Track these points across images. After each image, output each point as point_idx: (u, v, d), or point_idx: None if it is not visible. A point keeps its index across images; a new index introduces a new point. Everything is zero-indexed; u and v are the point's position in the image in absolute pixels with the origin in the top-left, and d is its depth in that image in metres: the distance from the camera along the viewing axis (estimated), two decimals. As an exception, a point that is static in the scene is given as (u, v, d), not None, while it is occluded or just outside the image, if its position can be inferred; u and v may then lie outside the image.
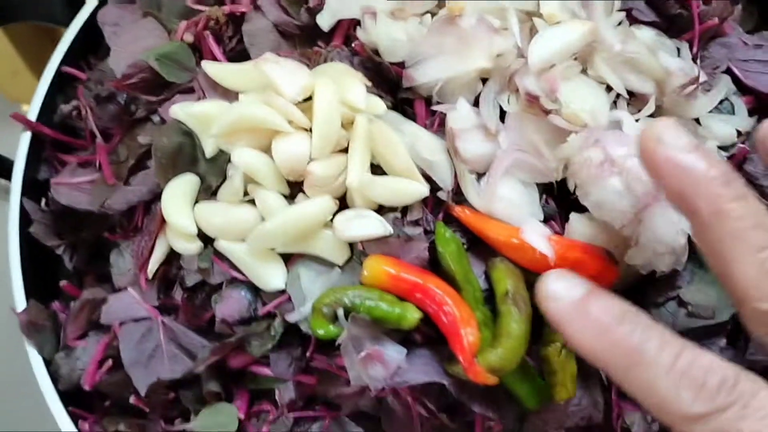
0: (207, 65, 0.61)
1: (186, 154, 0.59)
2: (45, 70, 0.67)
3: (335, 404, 0.57)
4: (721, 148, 0.63)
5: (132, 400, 0.58)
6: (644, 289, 0.59)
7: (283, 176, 0.57)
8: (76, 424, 0.59)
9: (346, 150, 0.58)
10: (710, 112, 0.64)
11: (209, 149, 0.58)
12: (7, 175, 0.65)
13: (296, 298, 0.55)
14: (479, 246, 0.57)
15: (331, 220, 0.56)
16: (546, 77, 0.58)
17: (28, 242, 0.64)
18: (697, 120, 0.63)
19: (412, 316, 0.53)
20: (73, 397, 0.60)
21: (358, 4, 0.63)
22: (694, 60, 0.65)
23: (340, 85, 0.58)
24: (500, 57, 0.59)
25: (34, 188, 0.66)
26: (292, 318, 0.54)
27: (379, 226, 0.55)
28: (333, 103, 0.56)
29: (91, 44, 0.70)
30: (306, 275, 0.56)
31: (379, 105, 0.58)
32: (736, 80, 0.65)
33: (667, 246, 0.55)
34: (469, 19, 0.58)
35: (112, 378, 0.59)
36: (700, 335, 0.58)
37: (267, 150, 0.57)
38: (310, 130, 0.57)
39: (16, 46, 1.23)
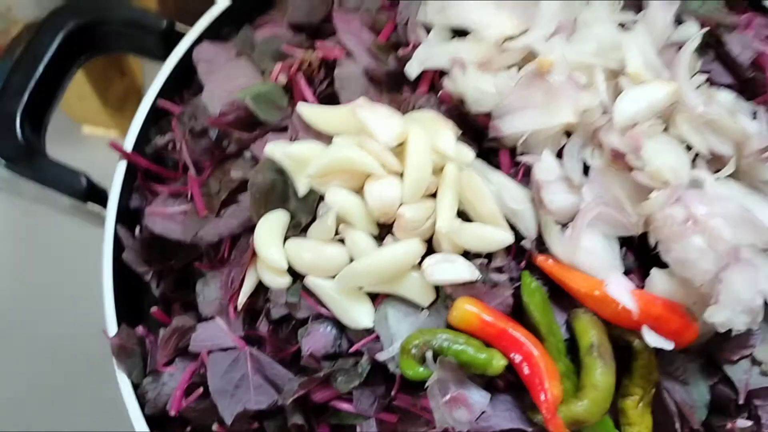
0: (303, 107, 0.63)
1: (278, 191, 0.61)
2: (141, 102, 0.70)
3: (415, 443, 0.59)
4: (794, 211, 0.64)
5: (215, 427, 0.60)
6: (719, 345, 0.59)
7: (373, 218, 0.59)
8: (160, 448, 0.61)
9: (434, 195, 0.60)
10: (784, 175, 0.65)
11: (302, 188, 0.60)
12: (101, 201, 0.68)
13: (384, 337, 0.56)
14: (560, 295, 0.58)
15: (419, 262, 0.58)
16: (630, 135, 0.60)
17: (119, 269, 0.66)
18: (772, 182, 0.65)
19: (498, 363, 0.54)
20: (157, 422, 0.62)
21: (447, 54, 0.65)
22: (769, 123, 0.67)
23: (431, 133, 0.60)
24: (586, 113, 0.61)
25: (126, 216, 0.68)
26: (381, 357, 0.56)
27: (466, 271, 0.57)
28: (425, 151, 0.58)
29: (184, 79, 0.73)
30: (393, 315, 0.58)
31: (468, 154, 0.61)
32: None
33: (744, 305, 0.56)
34: (557, 75, 0.61)
35: (198, 405, 0.61)
36: (772, 394, 0.59)
37: (358, 191, 0.59)
38: (401, 175, 0.59)
39: (85, 72, 1.27)
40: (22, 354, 1.00)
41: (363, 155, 0.58)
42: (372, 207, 0.58)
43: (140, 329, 0.65)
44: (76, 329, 0.81)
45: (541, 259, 0.59)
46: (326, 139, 0.63)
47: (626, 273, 0.59)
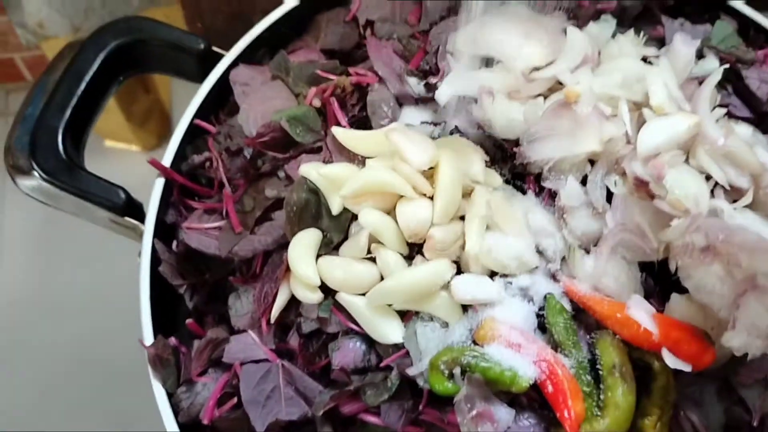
0: (337, 130, 0.66)
1: (312, 210, 0.64)
2: (179, 122, 0.73)
3: (441, 457, 0.60)
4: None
5: (246, 437, 0.62)
6: (735, 369, 0.61)
7: (404, 238, 0.61)
8: (192, 456, 0.63)
9: (462, 217, 0.62)
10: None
11: (335, 207, 0.63)
12: (137, 215, 0.71)
13: (413, 353, 0.58)
14: (582, 315, 0.60)
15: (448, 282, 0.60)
16: (653, 164, 0.62)
17: (154, 281, 0.68)
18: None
19: (523, 380, 0.56)
20: (189, 430, 0.64)
21: (476, 83, 0.68)
22: (785, 156, 0.69)
23: (461, 158, 0.62)
24: (610, 142, 0.63)
25: (161, 230, 0.70)
26: (411, 372, 0.58)
27: (492, 291, 0.59)
28: (456, 175, 0.61)
29: (220, 100, 0.76)
30: (422, 332, 0.60)
31: (496, 179, 0.63)
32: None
33: (760, 331, 0.58)
34: (584, 105, 0.63)
35: (230, 415, 0.62)
36: (784, 418, 0.61)
37: (390, 212, 0.62)
38: (431, 197, 0.61)
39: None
40: (56, 362, 1.03)
41: (396, 178, 0.61)
42: (403, 227, 0.61)
43: (173, 340, 0.67)
44: (106, 340, 0.83)
45: (565, 282, 0.61)
46: (358, 160, 0.65)
47: (646, 297, 0.62)
